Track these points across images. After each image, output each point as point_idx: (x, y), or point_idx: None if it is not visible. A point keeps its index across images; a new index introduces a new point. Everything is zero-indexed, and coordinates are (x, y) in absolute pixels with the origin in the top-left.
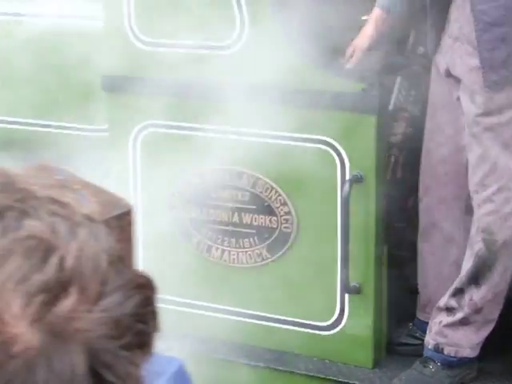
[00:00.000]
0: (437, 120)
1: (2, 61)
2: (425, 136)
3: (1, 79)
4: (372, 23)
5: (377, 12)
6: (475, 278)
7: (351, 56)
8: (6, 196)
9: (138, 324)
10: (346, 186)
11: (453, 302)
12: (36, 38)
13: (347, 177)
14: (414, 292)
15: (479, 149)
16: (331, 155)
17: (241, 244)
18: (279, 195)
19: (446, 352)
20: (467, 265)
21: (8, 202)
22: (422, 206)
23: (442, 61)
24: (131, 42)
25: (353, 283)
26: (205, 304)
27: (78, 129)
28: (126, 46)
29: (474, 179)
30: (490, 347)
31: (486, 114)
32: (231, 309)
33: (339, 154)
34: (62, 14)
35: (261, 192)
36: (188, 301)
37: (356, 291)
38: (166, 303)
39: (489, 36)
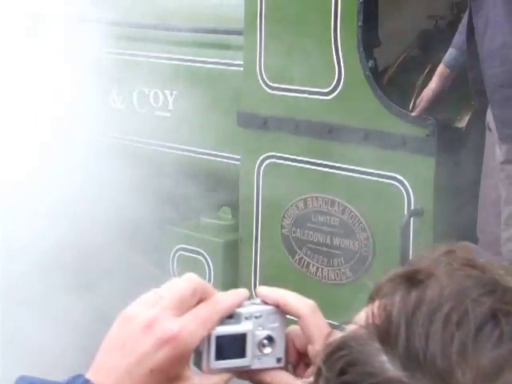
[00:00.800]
0: (487, 167)
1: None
2: (481, 181)
3: (177, 114)
4: (436, 77)
5: (441, 67)
6: None
7: (418, 105)
8: (496, 298)
9: None
10: (405, 217)
11: None
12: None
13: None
14: None
15: (505, 192)
16: (400, 190)
17: (331, 263)
18: (360, 222)
19: None
20: None
21: (499, 305)
22: (479, 244)
23: (487, 116)
24: (260, 86)
25: None
26: None
27: (218, 155)
28: (256, 88)
29: (502, 218)
30: None
31: (508, 161)
32: None
33: (406, 189)
34: (217, 61)
35: (348, 218)
36: None
37: None
38: None
39: (498, 96)
